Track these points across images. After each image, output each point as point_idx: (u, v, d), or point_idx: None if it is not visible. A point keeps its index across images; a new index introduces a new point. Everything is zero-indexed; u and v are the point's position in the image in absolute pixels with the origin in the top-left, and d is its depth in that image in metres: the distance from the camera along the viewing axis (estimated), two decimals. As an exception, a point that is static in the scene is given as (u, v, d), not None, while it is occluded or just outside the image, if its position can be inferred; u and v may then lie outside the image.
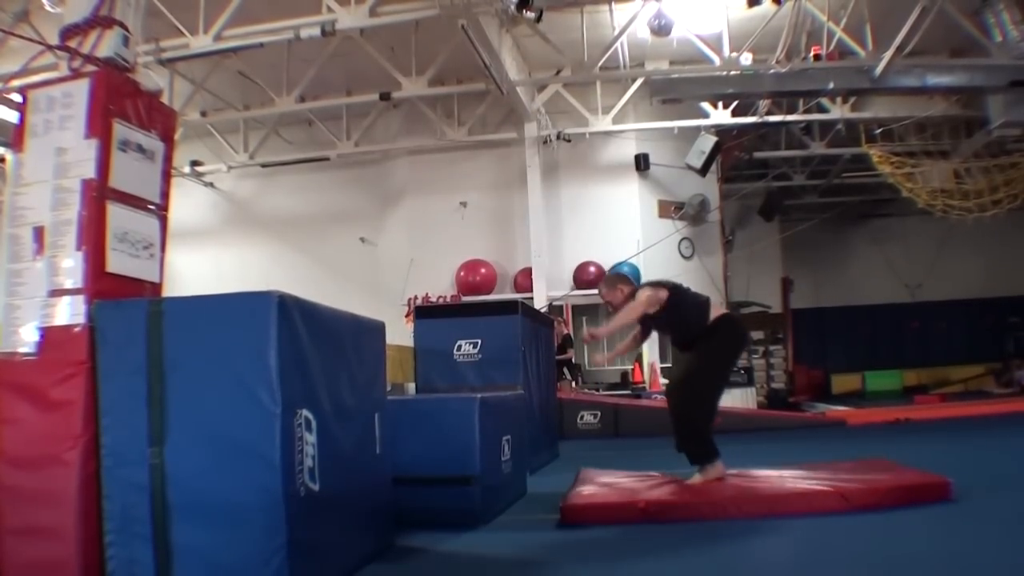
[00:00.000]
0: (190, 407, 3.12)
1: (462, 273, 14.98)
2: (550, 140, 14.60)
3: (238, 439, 3.04)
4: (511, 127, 14.71)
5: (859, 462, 5.80)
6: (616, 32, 11.96)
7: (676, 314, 5.55)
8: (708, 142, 13.95)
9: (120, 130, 3.62)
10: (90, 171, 3.49)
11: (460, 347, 7.64)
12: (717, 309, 5.70)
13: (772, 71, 11.86)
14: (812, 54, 11.79)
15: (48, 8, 9.50)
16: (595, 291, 14.57)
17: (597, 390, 14.41)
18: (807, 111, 14.55)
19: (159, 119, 3.88)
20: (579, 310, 15.67)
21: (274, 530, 2.98)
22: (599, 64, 12.29)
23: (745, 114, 14.47)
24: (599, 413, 11.52)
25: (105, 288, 3.44)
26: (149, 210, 3.78)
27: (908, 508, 4.39)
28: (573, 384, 13.43)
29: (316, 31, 10.51)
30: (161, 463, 3.10)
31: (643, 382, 14.47)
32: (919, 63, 11.97)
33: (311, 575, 3.15)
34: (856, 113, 14.76)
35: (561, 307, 14.80)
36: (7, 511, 3.23)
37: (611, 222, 14.85)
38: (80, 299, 3.38)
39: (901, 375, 20.25)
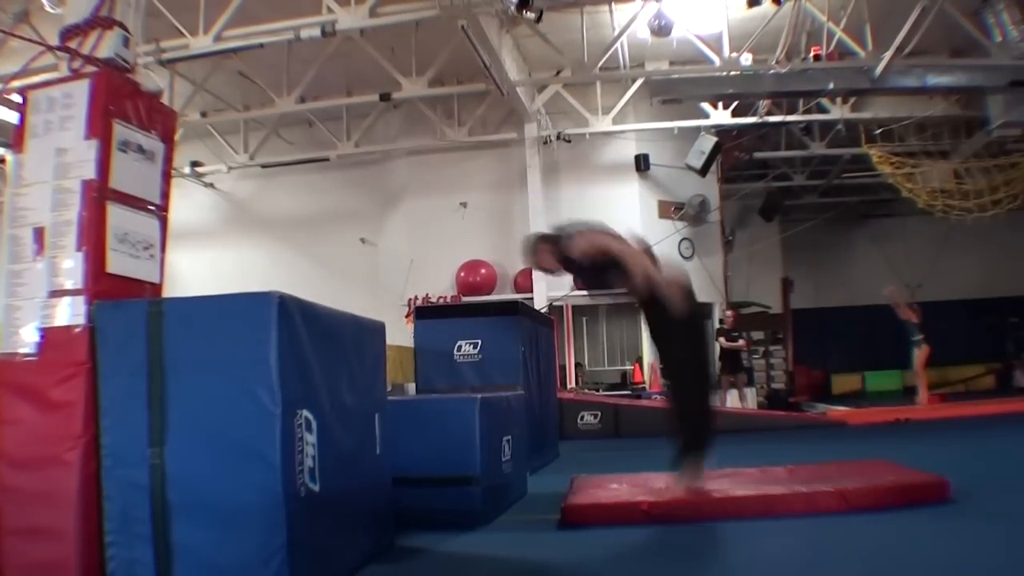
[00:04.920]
0: (190, 408, 3.12)
1: (462, 273, 14.98)
2: (550, 140, 14.60)
3: (238, 439, 3.04)
4: (511, 127, 14.72)
5: (858, 463, 5.80)
6: (616, 32, 11.97)
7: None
8: (708, 142, 13.96)
9: (120, 131, 3.62)
10: (90, 172, 3.48)
11: (460, 347, 7.64)
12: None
13: (772, 71, 11.87)
14: (812, 54, 11.80)
15: (48, 9, 9.50)
16: (596, 292, 14.72)
17: (597, 390, 14.42)
18: (807, 111, 14.56)
19: (159, 120, 3.88)
20: (579, 310, 15.69)
21: (274, 530, 2.98)
22: (599, 64, 12.29)
23: (745, 114, 14.47)
24: (599, 413, 11.53)
25: (105, 289, 3.44)
26: (149, 211, 3.78)
27: (908, 508, 4.39)
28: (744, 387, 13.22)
29: (316, 32, 10.51)
30: (161, 463, 3.10)
31: (643, 382, 14.47)
32: (919, 63, 11.97)
33: (311, 575, 3.15)
34: (856, 113, 14.77)
35: (561, 307, 14.80)
36: (7, 512, 3.23)
37: (611, 222, 14.66)
38: (80, 300, 3.37)
39: (901, 375, 20.21)
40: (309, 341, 3.29)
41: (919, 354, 12.94)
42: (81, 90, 3.59)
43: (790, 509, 4.50)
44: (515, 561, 4.03)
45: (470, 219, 15.29)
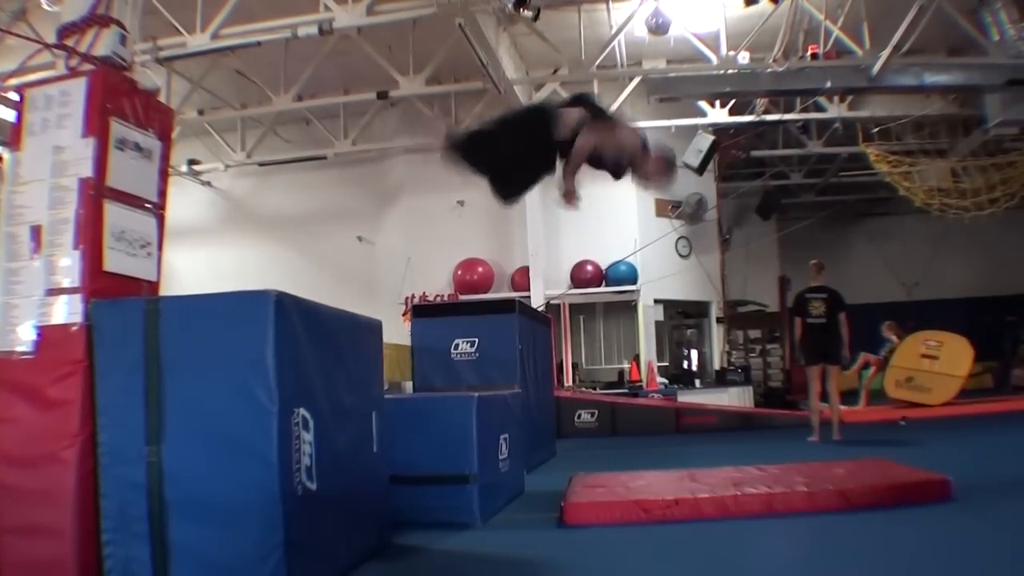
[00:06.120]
0: (187, 406, 3.12)
1: (459, 272, 14.97)
2: (548, 139, 14.57)
3: (235, 438, 3.05)
4: (509, 126, 14.68)
5: (859, 462, 5.81)
6: (613, 31, 11.97)
7: None
8: (705, 141, 13.94)
9: (117, 129, 3.61)
10: (87, 170, 3.48)
11: (457, 346, 7.64)
12: None
13: (769, 70, 11.86)
14: (809, 53, 11.78)
15: (46, 6, 9.48)
16: (592, 290, 14.72)
17: (594, 388, 14.42)
18: (804, 110, 14.55)
19: (156, 118, 3.88)
20: (576, 309, 15.68)
21: (271, 528, 2.98)
22: (596, 63, 12.28)
23: (742, 113, 14.46)
24: (596, 412, 11.54)
25: (102, 287, 3.44)
26: (146, 209, 3.78)
27: (908, 507, 4.40)
28: None
29: (314, 30, 10.49)
30: (158, 461, 3.10)
31: (640, 380, 14.47)
32: (916, 62, 11.97)
33: (308, 573, 3.15)
34: (853, 112, 14.75)
35: (558, 306, 14.79)
36: (5, 510, 3.23)
37: (608, 221, 14.83)
38: (77, 298, 3.37)
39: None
40: (306, 339, 3.29)
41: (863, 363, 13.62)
42: (78, 88, 3.59)
43: (792, 508, 4.50)
44: (512, 559, 4.03)
45: (467, 218, 15.27)
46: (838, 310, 9.03)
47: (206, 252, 16.20)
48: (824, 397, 9.24)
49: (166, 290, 3.90)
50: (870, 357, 13.70)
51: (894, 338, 13.67)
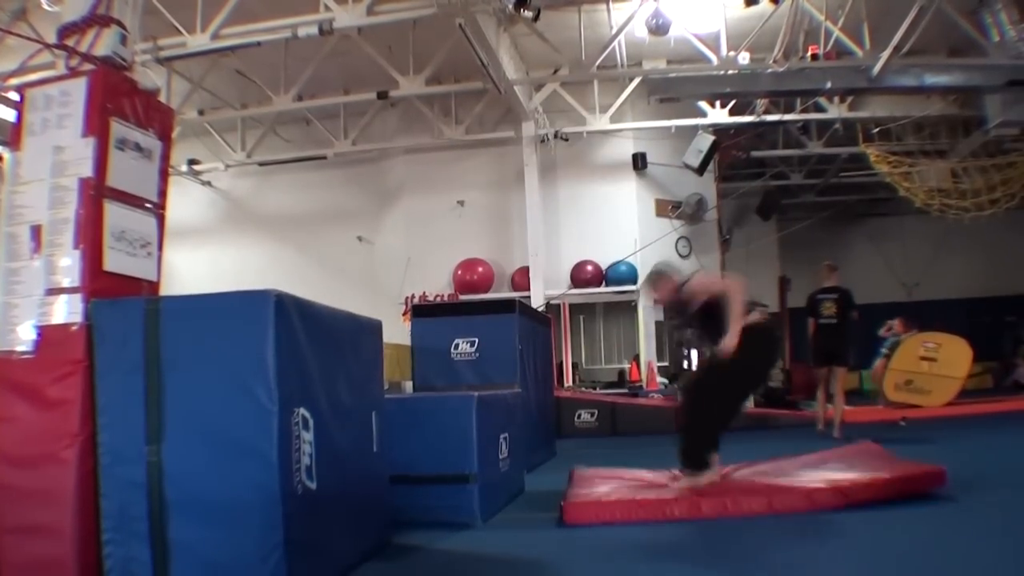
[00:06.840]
0: (187, 405, 3.13)
1: (459, 272, 14.97)
2: (547, 139, 14.59)
3: (235, 437, 3.05)
4: (508, 126, 14.70)
5: (849, 447, 5.85)
6: (614, 31, 11.97)
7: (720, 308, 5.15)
8: (705, 141, 13.94)
9: (118, 128, 3.61)
10: (87, 169, 3.48)
11: (457, 346, 7.65)
12: (756, 314, 5.34)
13: (769, 70, 11.87)
14: (809, 53, 11.79)
15: (46, 6, 9.49)
16: (592, 290, 14.74)
17: (594, 388, 14.42)
18: (804, 110, 14.57)
19: (156, 117, 3.88)
20: (576, 309, 15.69)
21: (271, 528, 2.99)
22: (597, 63, 12.28)
23: (742, 113, 14.47)
24: (596, 411, 11.54)
25: (102, 287, 3.44)
26: (147, 208, 3.78)
27: (908, 506, 4.40)
28: None
29: (314, 30, 10.49)
30: (158, 461, 3.10)
31: (640, 380, 14.47)
32: (917, 62, 11.98)
33: (308, 573, 3.15)
34: (854, 112, 14.77)
35: (558, 306, 14.80)
36: (5, 510, 3.23)
37: (608, 221, 14.85)
38: (77, 298, 3.38)
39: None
40: (306, 339, 3.29)
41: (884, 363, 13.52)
42: (78, 88, 3.59)
43: (792, 507, 4.51)
44: (512, 559, 4.04)
45: (467, 217, 15.28)
46: (849, 310, 9.14)
47: (206, 252, 16.21)
48: (829, 397, 9.30)
49: (166, 290, 3.90)
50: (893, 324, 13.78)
51: (901, 336, 13.65)
